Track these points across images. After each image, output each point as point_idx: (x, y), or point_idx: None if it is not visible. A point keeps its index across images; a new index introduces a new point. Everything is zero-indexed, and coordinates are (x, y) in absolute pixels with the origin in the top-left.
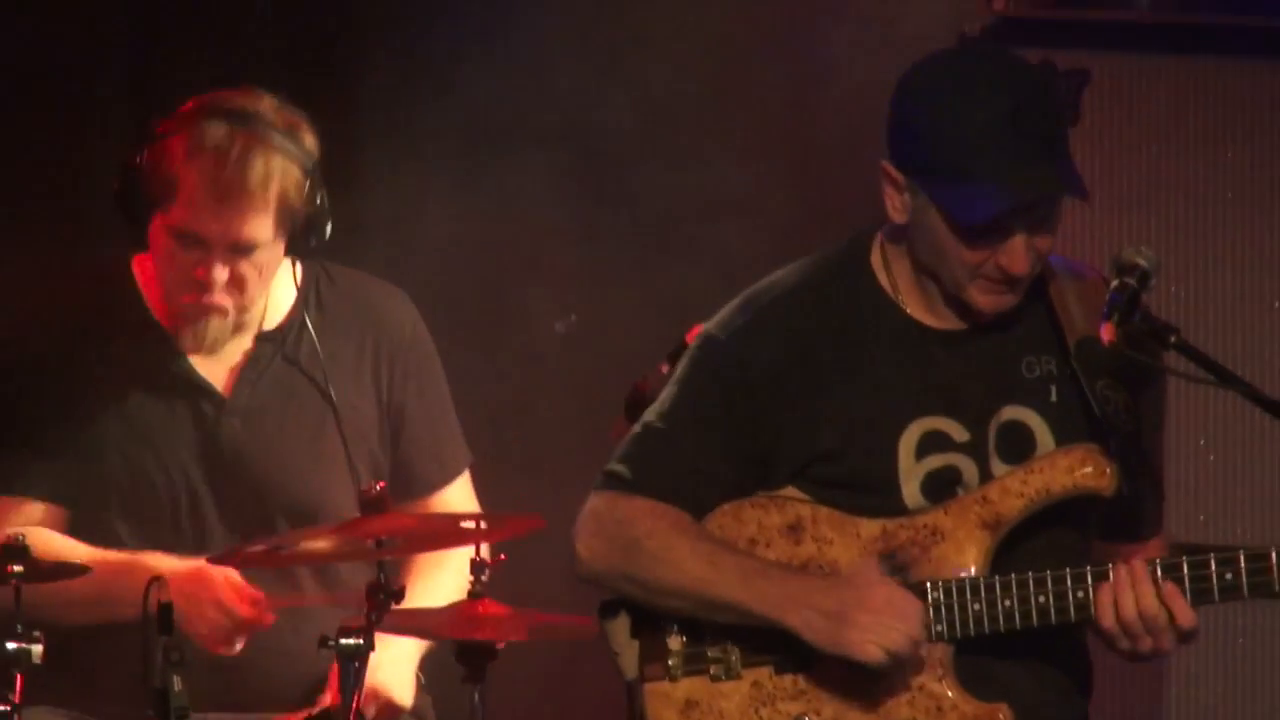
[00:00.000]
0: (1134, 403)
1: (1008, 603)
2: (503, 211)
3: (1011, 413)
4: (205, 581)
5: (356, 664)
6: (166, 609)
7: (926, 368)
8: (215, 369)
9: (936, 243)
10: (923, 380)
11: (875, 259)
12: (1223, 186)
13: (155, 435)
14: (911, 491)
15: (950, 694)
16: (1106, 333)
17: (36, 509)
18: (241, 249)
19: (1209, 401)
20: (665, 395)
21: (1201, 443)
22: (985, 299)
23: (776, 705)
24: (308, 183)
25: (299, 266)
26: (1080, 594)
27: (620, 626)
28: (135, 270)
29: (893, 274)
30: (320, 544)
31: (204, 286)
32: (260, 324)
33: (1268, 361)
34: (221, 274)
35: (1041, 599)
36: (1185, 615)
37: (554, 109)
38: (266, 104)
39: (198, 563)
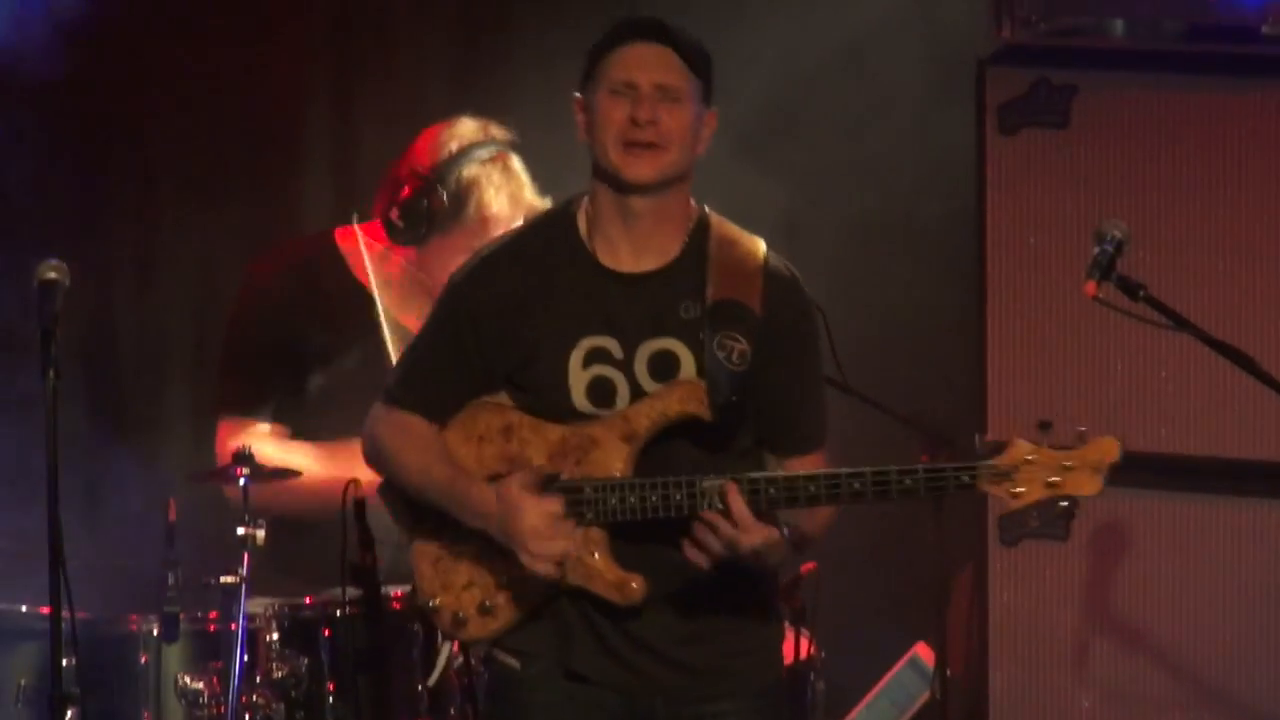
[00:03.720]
0: (750, 350)
1: (633, 499)
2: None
3: (662, 343)
4: None
5: None
6: (360, 504)
7: (600, 298)
8: (407, 317)
9: (595, 120)
10: (594, 307)
11: (579, 214)
12: (1182, 174)
13: (354, 371)
14: (578, 395)
15: (600, 565)
16: (1089, 289)
17: (264, 428)
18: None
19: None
20: (423, 326)
21: (1163, 374)
22: (632, 166)
23: (495, 561)
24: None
25: None
26: (678, 496)
27: (395, 499)
28: (338, 241)
29: (590, 226)
30: None
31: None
32: None
33: (1220, 312)
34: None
35: (653, 497)
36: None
37: None
38: (495, 129)
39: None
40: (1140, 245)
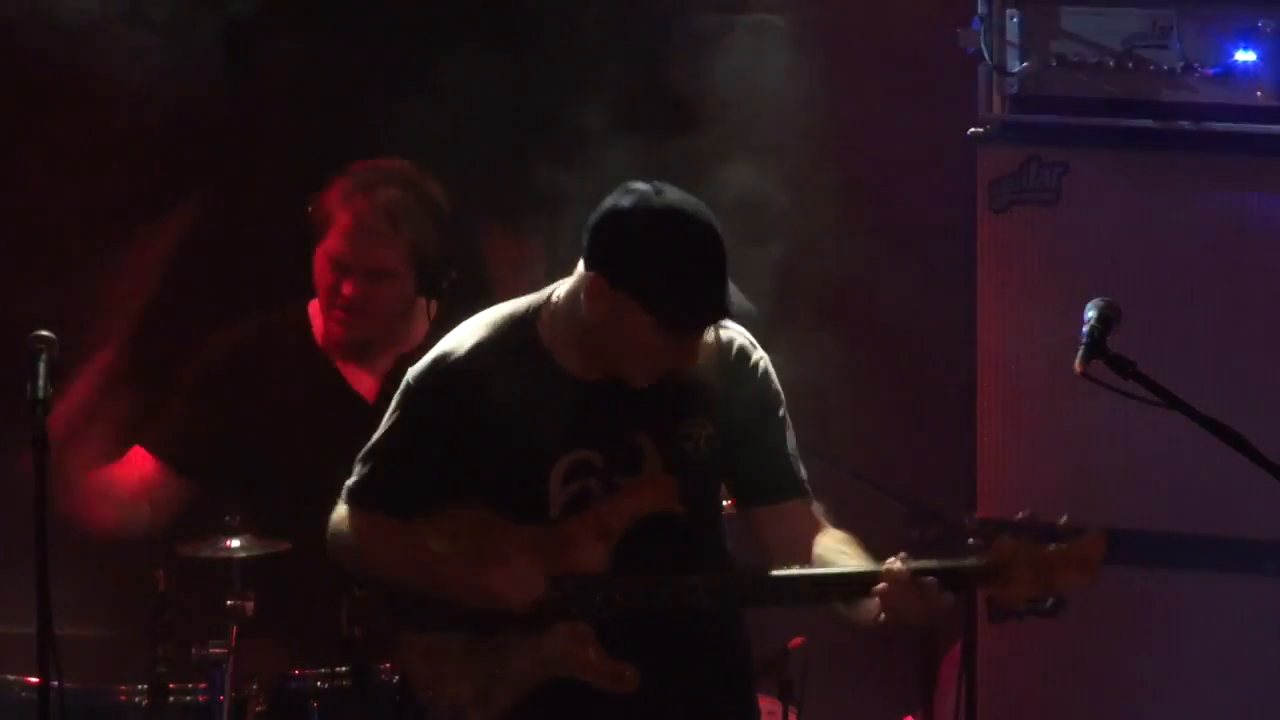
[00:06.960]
0: (716, 433)
1: (618, 596)
2: None
3: (640, 439)
4: None
5: None
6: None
7: (578, 412)
8: (364, 383)
9: (633, 343)
10: (574, 422)
11: (541, 324)
12: (1173, 251)
13: (319, 433)
14: (556, 508)
15: (592, 659)
16: (1079, 367)
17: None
18: (375, 275)
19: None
20: (381, 428)
21: (1154, 452)
22: (643, 382)
23: (486, 650)
24: (437, 234)
25: (433, 304)
26: (663, 594)
27: (374, 596)
28: (310, 313)
29: (555, 335)
30: None
31: (344, 304)
32: (401, 347)
33: (1212, 390)
34: (355, 292)
35: (638, 595)
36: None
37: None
38: (414, 172)
39: None
40: (1130, 323)
